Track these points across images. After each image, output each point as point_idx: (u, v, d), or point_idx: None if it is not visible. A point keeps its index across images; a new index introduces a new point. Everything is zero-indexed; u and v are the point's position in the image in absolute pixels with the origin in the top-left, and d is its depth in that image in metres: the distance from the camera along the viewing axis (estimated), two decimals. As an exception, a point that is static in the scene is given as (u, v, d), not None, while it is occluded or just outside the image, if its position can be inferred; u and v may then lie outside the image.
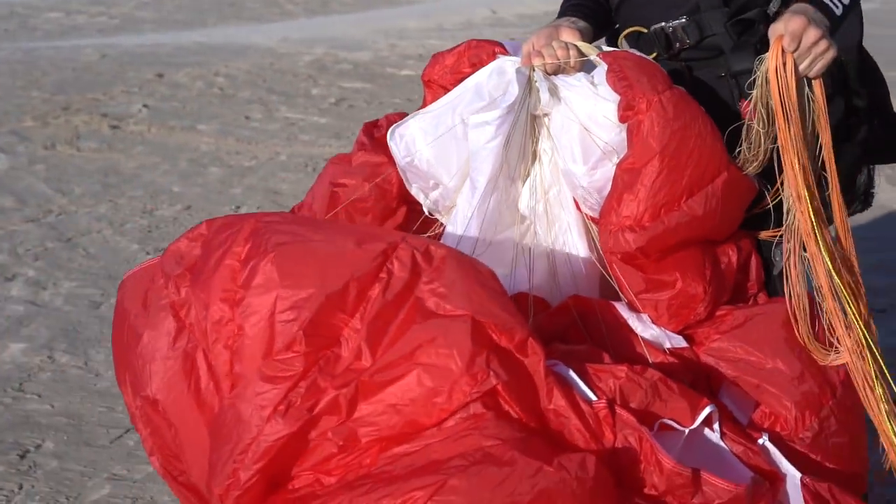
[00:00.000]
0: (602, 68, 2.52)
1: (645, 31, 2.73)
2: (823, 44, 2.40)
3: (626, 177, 2.42)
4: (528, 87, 2.54)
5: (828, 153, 2.46)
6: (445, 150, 2.61)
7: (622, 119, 2.44)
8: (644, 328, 2.46)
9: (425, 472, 2.00)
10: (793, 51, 2.39)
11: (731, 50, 2.56)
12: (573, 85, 2.52)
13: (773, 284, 2.65)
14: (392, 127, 2.68)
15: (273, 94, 9.60)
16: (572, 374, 2.20)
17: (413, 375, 2.09)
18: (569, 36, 2.63)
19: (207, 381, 2.27)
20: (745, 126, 2.52)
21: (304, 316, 2.13)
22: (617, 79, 2.44)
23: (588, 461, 2.04)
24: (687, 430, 2.25)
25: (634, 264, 2.46)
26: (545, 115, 2.57)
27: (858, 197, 2.81)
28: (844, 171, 2.62)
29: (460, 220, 2.56)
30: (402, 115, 2.74)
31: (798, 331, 2.42)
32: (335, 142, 8.05)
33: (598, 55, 2.56)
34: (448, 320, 2.11)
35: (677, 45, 2.69)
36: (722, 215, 2.45)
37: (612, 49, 2.62)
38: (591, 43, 2.69)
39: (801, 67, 2.41)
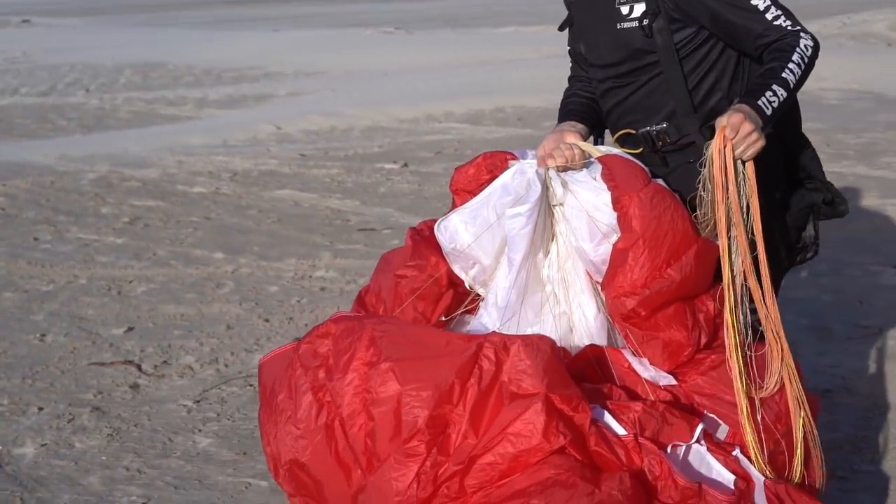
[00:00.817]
0: (599, 165, 3.20)
1: (633, 132, 3.46)
2: (755, 135, 3.07)
3: (618, 256, 3.12)
4: (545, 183, 3.18)
5: (755, 219, 3.10)
6: (482, 237, 3.28)
7: (614, 209, 3.15)
8: (644, 370, 3.15)
9: (513, 498, 2.74)
10: (732, 138, 3.06)
11: (705, 147, 3.20)
12: (579, 180, 3.23)
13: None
14: (438, 221, 3.40)
15: (60, 213, 9.13)
16: (606, 414, 2.93)
17: (505, 442, 2.80)
18: (572, 138, 3.38)
19: (345, 446, 3.00)
20: (697, 196, 3.19)
21: (425, 413, 2.85)
22: (607, 179, 3.17)
23: (625, 478, 2.77)
24: (684, 446, 2.96)
25: (632, 322, 3.09)
26: (560, 204, 3.24)
27: (807, 246, 3.55)
28: (789, 229, 3.45)
29: (500, 290, 3.27)
30: (434, 221, 3.44)
31: (733, 371, 3.08)
32: (136, 262, 7.68)
33: (595, 157, 3.24)
34: (527, 399, 2.83)
35: (660, 143, 3.44)
36: (696, 278, 3.12)
37: (606, 151, 3.28)
38: (587, 140, 3.39)
39: (738, 152, 3.08)
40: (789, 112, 3.35)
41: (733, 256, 3.07)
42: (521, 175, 3.26)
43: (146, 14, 35.49)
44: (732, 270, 3.07)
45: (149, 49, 22.56)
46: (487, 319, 3.26)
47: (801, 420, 3.10)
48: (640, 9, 3.30)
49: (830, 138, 10.61)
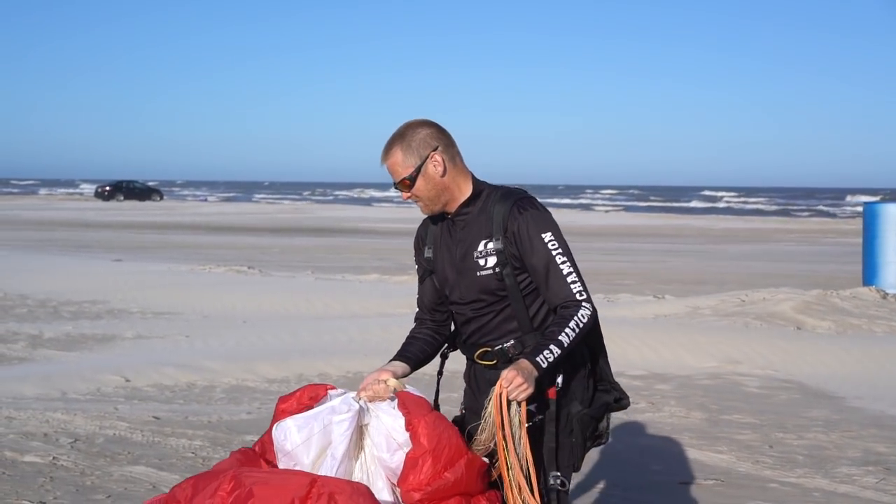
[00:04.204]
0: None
1: (489, 349, 4.51)
2: (525, 385, 4.16)
3: (411, 462, 4.17)
4: (359, 408, 4.29)
5: (525, 443, 4.20)
6: (308, 441, 4.21)
7: (407, 429, 4.21)
8: None
9: None
10: (507, 387, 4.16)
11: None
12: (382, 409, 4.31)
13: None
14: (277, 423, 4.29)
15: None
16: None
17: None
18: (385, 376, 4.39)
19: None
20: (480, 427, 4.26)
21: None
22: (401, 408, 4.26)
23: None
24: None
25: (421, 513, 4.21)
26: (366, 424, 4.30)
27: (601, 434, 4.52)
28: (590, 421, 4.46)
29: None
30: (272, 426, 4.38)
31: None
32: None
33: (395, 392, 4.32)
34: None
35: (510, 355, 4.46)
36: (467, 480, 4.18)
37: (404, 390, 4.34)
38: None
39: (511, 396, 4.17)
40: (592, 330, 4.46)
41: (509, 471, 4.18)
42: (346, 403, 4.27)
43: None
44: (511, 478, 4.17)
45: (-24, 272, 20.57)
46: None
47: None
48: (492, 261, 4.41)
49: (770, 437, 9.31)
